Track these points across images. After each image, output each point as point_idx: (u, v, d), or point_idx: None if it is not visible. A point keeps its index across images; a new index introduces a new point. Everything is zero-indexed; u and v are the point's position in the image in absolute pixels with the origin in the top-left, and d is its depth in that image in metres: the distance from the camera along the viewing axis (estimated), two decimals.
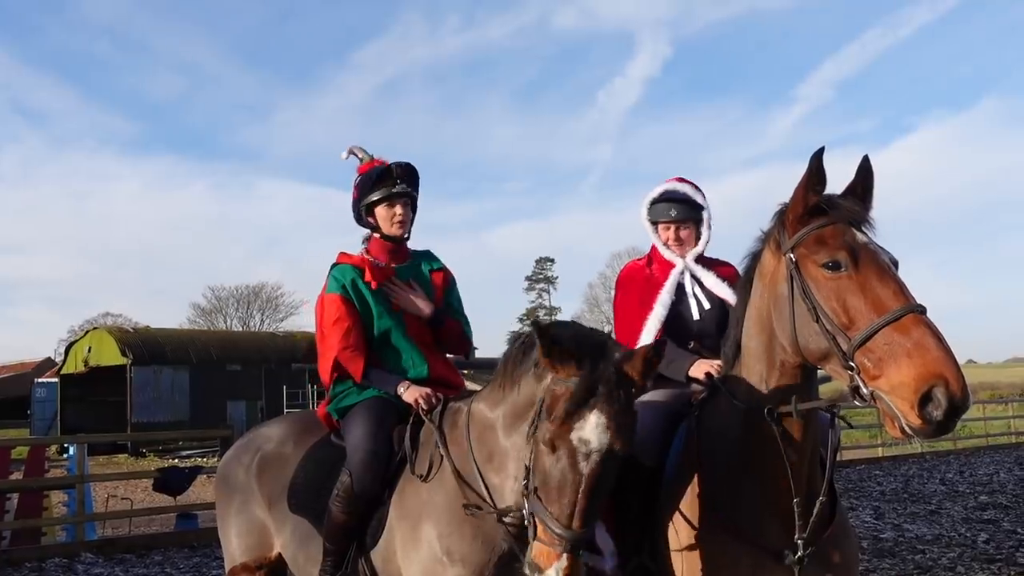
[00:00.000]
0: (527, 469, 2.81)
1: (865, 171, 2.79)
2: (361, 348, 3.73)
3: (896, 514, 11.58)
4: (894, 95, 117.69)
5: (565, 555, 2.59)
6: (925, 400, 2.31)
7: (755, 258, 3.02)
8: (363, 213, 3.96)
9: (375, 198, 3.88)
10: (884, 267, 2.59)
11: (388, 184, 3.86)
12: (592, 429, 2.62)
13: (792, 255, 2.73)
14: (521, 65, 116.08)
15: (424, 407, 3.53)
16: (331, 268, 3.91)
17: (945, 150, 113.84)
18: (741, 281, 3.11)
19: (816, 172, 2.74)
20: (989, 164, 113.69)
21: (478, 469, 3.22)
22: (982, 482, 14.97)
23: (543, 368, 2.84)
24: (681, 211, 3.87)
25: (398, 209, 3.87)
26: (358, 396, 3.72)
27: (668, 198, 3.90)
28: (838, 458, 3.26)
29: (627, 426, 2.67)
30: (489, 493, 3.18)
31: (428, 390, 3.60)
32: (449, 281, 4.06)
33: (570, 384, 2.69)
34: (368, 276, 3.81)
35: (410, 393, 3.60)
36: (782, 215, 2.85)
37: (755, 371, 2.97)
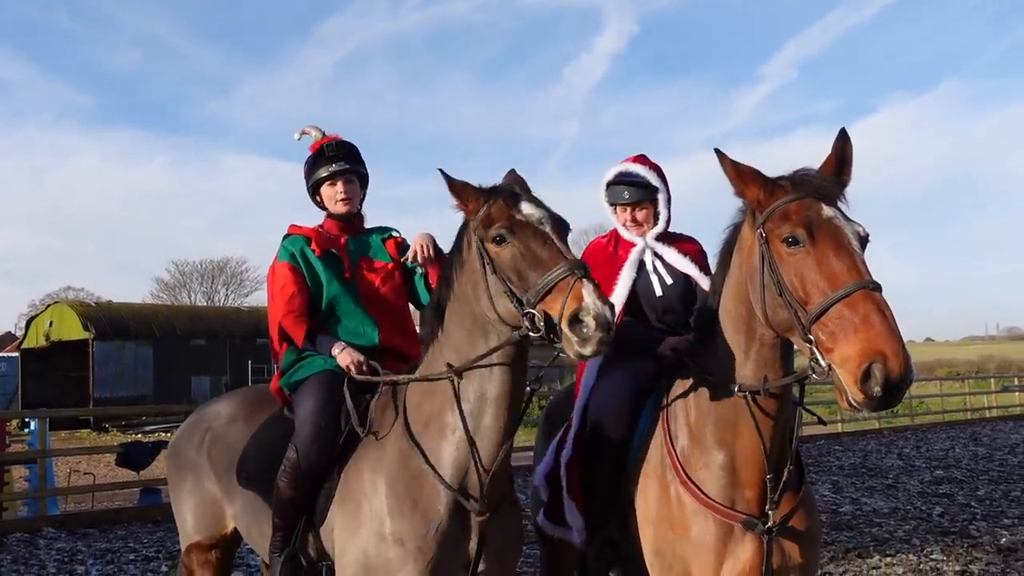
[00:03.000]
0: (505, 291, 2.93)
1: (842, 144, 2.83)
2: (304, 315, 3.73)
3: (854, 488, 11.80)
4: (857, 76, 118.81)
5: (586, 281, 2.72)
6: (866, 375, 2.38)
7: (736, 230, 3.06)
8: (312, 194, 3.98)
9: (317, 179, 3.90)
10: (842, 242, 2.63)
11: (324, 163, 3.87)
12: (528, 206, 3.00)
13: (762, 230, 2.77)
14: (486, 40, 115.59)
15: (354, 372, 3.53)
16: (282, 239, 3.92)
17: (906, 132, 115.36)
18: (721, 252, 3.14)
19: (734, 172, 2.85)
20: (948, 146, 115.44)
21: (415, 439, 3.20)
22: (938, 457, 15.28)
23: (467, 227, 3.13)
24: (635, 193, 3.86)
25: (339, 187, 3.88)
26: (309, 370, 3.70)
27: (623, 180, 3.89)
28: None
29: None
30: (431, 463, 3.16)
31: (362, 357, 3.58)
32: (404, 246, 4.01)
33: (495, 195, 3.06)
34: (314, 244, 3.82)
35: (343, 356, 3.59)
36: None
37: (734, 343, 3.00)
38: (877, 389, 2.36)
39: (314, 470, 3.42)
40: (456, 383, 3.13)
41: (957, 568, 7.28)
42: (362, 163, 3.98)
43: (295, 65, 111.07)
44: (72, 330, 33.48)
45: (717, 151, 2.87)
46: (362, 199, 4.03)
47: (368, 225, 4.08)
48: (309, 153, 3.96)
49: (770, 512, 2.99)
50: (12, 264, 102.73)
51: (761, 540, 2.99)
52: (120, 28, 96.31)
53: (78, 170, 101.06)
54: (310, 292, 3.79)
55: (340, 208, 3.91)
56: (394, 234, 4.06)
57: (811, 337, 2.56)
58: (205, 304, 59.29)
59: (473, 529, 3.14)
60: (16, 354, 38.29)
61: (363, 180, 4.00)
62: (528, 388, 3.17)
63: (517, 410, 3.16)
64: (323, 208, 3.98)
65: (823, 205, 2.71)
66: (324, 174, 3.86)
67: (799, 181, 2.78)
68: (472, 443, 3.12)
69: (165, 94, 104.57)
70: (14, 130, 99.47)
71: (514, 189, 3.10)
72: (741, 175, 2.85)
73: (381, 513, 3.16)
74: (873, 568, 7.34)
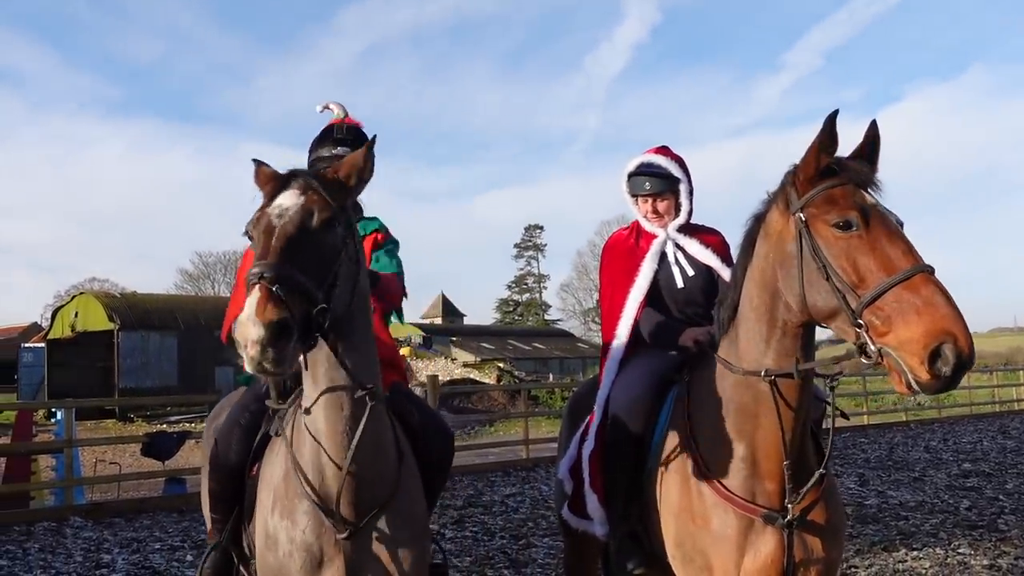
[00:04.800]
0: None
1: (872, 135, 2.82)
2: None
3: (880, 481, 11.70)
4: (882, 63, 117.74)
5: (257, 287, 2.37)
6: (935, 356, 2.36)
7: (759, 219, 3.02)
8: None
9: (316, 157, 3.69)
10: (894, 227, 2.63)
11: (329, 144, 3.65)
12: (286, 196, 2.65)
13: (802, 214, 2.74)
14: (506, 30, 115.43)
15: None
16: None
17: (932, 119, 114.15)
18: (743, 243, 3.10)
19: (829, 134, 2.75)
20: (975, 134, 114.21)
21: (292, 432, 3.04)
22: (965, 450, 15.12)
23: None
24: (656, 184, 3.83)
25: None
26: None
27: (644, 171, 3.86)
28: (825, 424, 3.30)
29: (322, 193, 2.68)
30: (296, 459, 2.96)
31: None
32: (379, 243, 3.77)
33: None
34: None
35: None
36: (792, 175, 2.86)
37: (755, 332, 2.98)
38: (946, 370, 2.35)
39: (230, 466, 3.34)
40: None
41: (985, 562, 7.19)
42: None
43: (315, 55, 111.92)
44: (97, 321, 33.84)
45: (833, 115, 2.73)
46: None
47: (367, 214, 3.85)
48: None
49: (790, 505, 2.97)
50: (37, 255, 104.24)
51: (782, 533, 2.98)
52: (141, 18, 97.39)
53: (102, 160, 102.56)
54: None
55: None
56: (376, 227, 3.82)
57: (861, 322, 2.53)
58: (229, 295, 59.69)
59: (339, 546, 2.87)
60: (42, 344, 38.70)
61: None
62: (362, 393, 2.79)
63: (353, 419, 2.81)
64: None
65: (865, 192, 2.71)
66: (325, 154, 3.66)
67: (841, 167, 2.76)
68: (318, 445, 2.86)
69: (186, 84, 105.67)
70: (38, 121, 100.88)
71: (285, 177, 2.77)
72: (826, 146, 2.76)
73: (266, 510, 3.02)
74: (899, 562, 7.27)
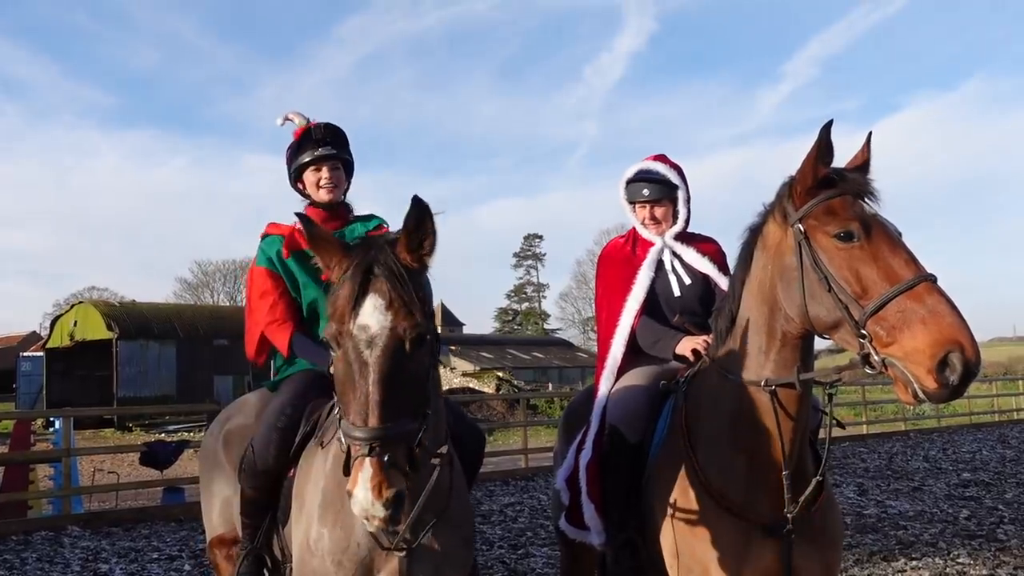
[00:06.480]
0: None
1: (868, 147, 2.84)
2: (288, 321, 3.61)
3: (879, 490, 11.68)
4: (881, 73, 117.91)
5: (368, 461, 2.23)
6: (942, 365, 2.35)
7: (756, 231, 3.02)
8: (293, 180, 3.81)
9: (300, 163, 3.72)
10: (895, 238, 2.63)
11: (310, 147, 3.70)
12: (370, 313, 2.38)
13: (801, 226, 2.74)
14: (505, 39, 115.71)
15: None
16: (261, 239, 3.77)
17: (931, 130, 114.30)
18: (740, 255, 3.10)
19: (825, 144, 2.75)
20: (975, 145, 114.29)
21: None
22: (965, 460, 15.09)
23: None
24: (655, 191, 3.86)
25: (324, 172, 3.70)
26: (288, 370, 3.65)
27: (643, 178, 3.89)
28: (822, 434, 3.30)
29: (409, 305, 2.40)
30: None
31: None
32: None
33: (346, 276, 2.47)
34: (285, 245, 3.66)
35: None
36: (789, 187, 2.85)
37: (753, 343, 2.98)
38: (954, 378, 2.35)
39: (269, 471, 3.34)
40: None
41: (984, 572, 7.18)
42: (349, 151, 3.83)
43: (314, 65, 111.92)
44: (96, 330, 33.82)
45: (828, 125, 2.74)
46: (347, 189, 3.84)
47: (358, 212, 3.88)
48: (292, 139, 3.79)
49: (788, 515, 2.96)
50: (37, 264, 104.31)
51: (781, 543, 2.97)
52: (140, 28, 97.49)
53: (101, 170, 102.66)
54: (292, 297, 3.65)
55: (323, 196, 3.72)
56: (381, 224, 3.84)
57: (865, 332, 2.53)
58: (227, 304, 59.74)
59: (394, 561, 2.87)
60: (41, 354, 38.69)
61: (349, 168, 3.82)
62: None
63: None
64: (304, 196, 3.80)
65: (863, 203, 2.71)
66: (308, 159, 3.69)
67: (839, 178, 2.76)
68: None
69: (185, 94, 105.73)
70: (37, 131, 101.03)
71: (363, 272, 2.46)
72: (822, 157, 2.77)
73: (311, 518, 3.00)
74: (898, 572, 7.25)
